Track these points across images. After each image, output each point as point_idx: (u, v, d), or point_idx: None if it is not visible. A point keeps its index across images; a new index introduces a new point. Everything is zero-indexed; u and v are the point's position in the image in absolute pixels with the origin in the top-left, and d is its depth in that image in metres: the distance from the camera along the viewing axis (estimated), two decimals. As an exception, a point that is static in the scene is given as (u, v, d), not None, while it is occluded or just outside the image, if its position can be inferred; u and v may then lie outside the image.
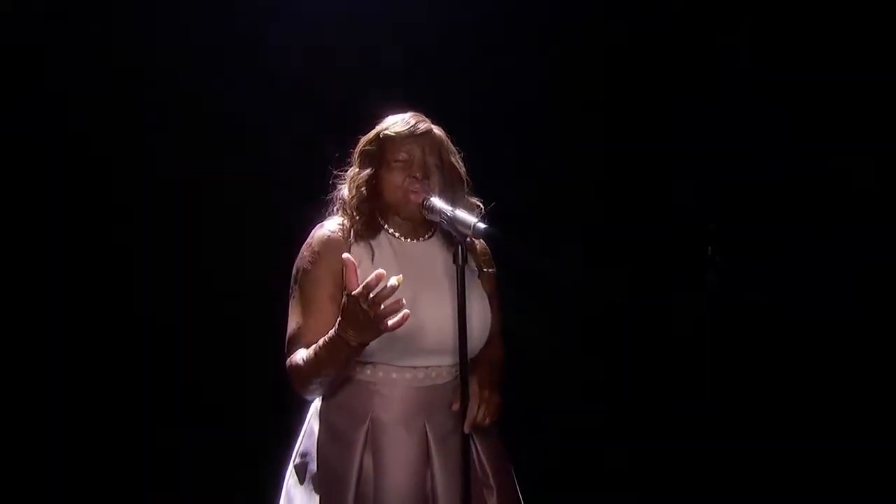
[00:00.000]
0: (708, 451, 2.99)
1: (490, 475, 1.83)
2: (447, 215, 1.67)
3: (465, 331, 1.66)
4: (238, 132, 2.94)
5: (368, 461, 1.73)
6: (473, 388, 1.72)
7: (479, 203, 1.87)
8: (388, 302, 1.47)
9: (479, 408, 1.71)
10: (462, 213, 1.66)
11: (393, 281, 1.46)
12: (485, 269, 1.92)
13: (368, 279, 1.46)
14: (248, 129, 2.94)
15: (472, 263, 1.88)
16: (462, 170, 1.86)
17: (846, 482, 2.85)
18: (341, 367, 1.66)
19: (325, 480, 1.76)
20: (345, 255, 1.54)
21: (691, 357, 3.19)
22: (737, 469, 2.99)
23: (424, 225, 1.84)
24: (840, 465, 2.85)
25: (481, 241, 1.93)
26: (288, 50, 2.91)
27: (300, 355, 1.68)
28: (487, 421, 1.73)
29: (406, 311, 1.49)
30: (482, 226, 1.61)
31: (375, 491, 1.71)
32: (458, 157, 1.87)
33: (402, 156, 1.78)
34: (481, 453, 1.83)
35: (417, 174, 1.76)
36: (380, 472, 1.72)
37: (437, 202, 1.71)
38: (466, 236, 1.63)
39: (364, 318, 1.49)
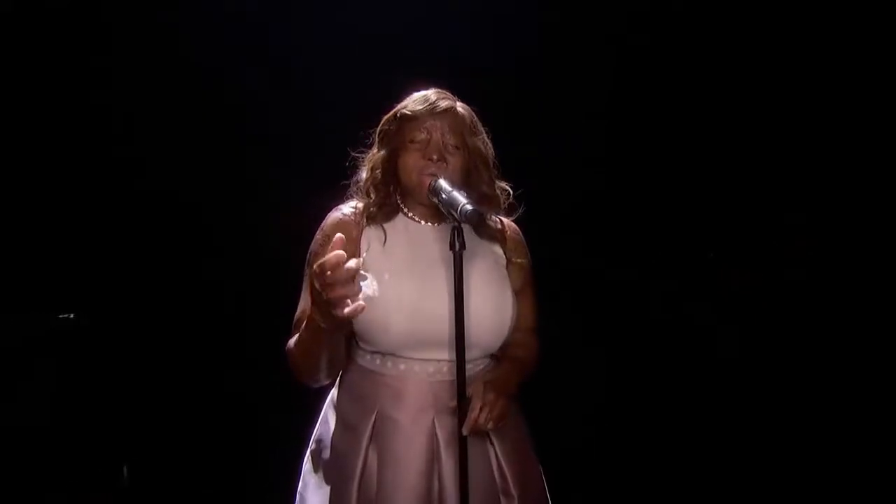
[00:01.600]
0: (707, 452, 2.98)
1: (511, 482, 1.69)
2: (443, 197, 1.55)
3: (461, 323, 1.52)
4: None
5: (373, 455, 1.65)
6: (477, 388, 1.58)
7: (507, 188, 1.76)
8: (344, 288, 1.33)
9: (479, 410, 1.56)
10: (456, 195, 1.52)
11: (352, 263, 1.33)
12: (514, 260, 1.78)
13: (327, 258, 1.32)
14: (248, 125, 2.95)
15: (500, 252, 1.78)
16: (488, 152, 1.73)
17: (846, 483, 2.85)
18: (321, 350, 1.54)
19: (335, 469, 1.70)
20: (338, 234, 1.39)
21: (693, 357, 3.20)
22: (737, 469, 2.98)
23: None
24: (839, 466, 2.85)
25: (515, 228, 1.83)
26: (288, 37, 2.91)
27: (293, 338, 1.60)
28: (490, 426, 1.58)
29: (361, 303, 1.35)
30: (469, 207, 1.47)
31: (378, 486, 1.63)
32: (484, 138, 1.73)
33: (420, 136, 1.66)
34: (500, 457, 1.70)
35: (433, 156, 1.64)
36: (383, 468, 1.63)
37: (443, 184, 1.58)
38: (457, 219, 1.51)
39: (319, 299, 1.37)
